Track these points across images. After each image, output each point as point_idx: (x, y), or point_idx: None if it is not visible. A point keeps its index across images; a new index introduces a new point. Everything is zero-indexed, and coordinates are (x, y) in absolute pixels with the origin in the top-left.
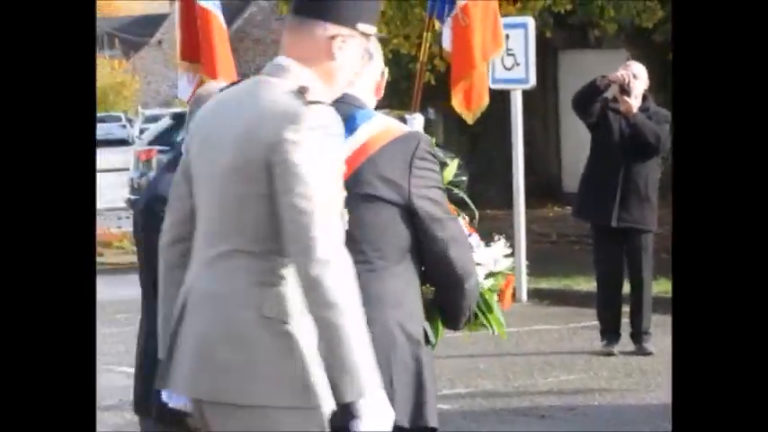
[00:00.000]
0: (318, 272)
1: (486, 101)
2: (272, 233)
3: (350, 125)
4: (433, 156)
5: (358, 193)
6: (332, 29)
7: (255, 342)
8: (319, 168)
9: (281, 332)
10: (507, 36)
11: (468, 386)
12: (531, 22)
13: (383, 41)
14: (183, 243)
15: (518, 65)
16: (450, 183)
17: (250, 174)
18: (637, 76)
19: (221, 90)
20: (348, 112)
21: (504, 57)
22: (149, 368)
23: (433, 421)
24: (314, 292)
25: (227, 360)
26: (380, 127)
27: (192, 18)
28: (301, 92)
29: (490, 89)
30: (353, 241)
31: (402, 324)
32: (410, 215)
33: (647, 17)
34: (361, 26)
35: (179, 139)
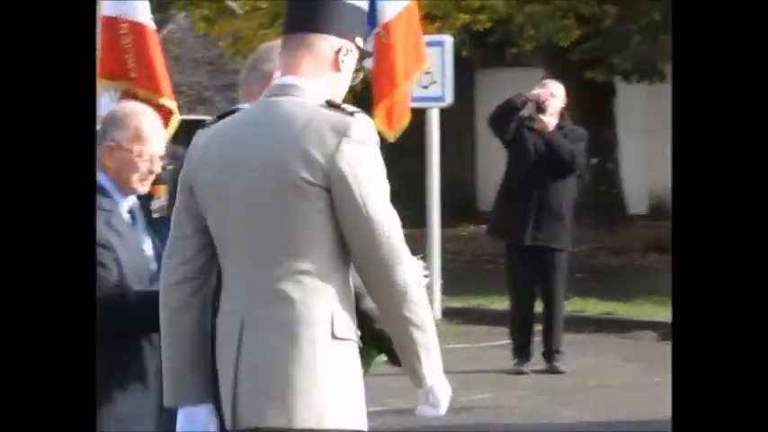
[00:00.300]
0: (406, 274)
1: (407, 119)
2: (332, 250)
3: None
4: None
5: None
6: (336, 42)
7: (327, 364)
8: (379, 176)
9: (348, 352)
10: None
11: (379, 404)
12: (448, 40)
13: None
14: (190, 282)
15: (435, 83)
16: None
17: (303, 192)
18: (554, 95)
19: (213, 121)
20: None
21: (421, 75)
22: None
23: None
24: (404, 293)
25: (300, 385)
26: None
27: (114, 35)
28: (335, 105)
29: None
30: None
31: None
32: None
33: (564, 36)
34: (358, 39)
35: None
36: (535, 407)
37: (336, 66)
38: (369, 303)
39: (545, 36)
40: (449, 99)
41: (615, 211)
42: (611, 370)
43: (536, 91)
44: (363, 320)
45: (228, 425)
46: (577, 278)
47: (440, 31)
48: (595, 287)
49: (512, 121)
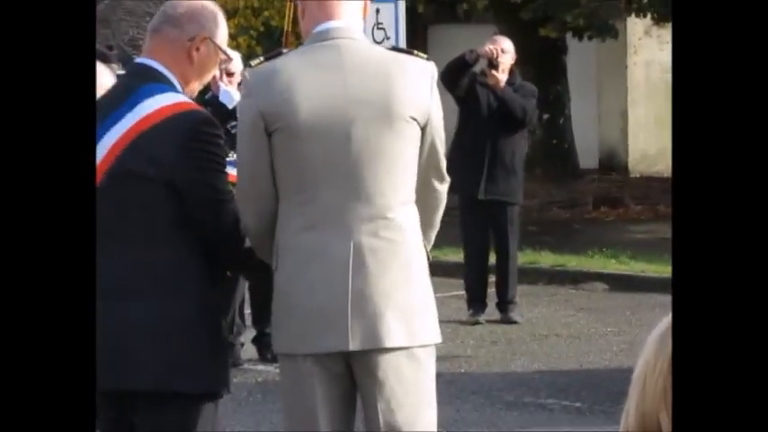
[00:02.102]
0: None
1: None
2: (414, 181)
3: (134, 100)
4: (216, 135)
5: (128, 169)
6: None
7: (430, 284)
8: None
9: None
10: (378, 10)
11: None
12: None
13: (255, 11)
14: (269, 225)
15: (388, 38)
16: None
17: (410, 128)
18: (505, 51)
19: (259, 63)
20: (138, 84)
21: (374, 30)
22: None
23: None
24: (440, 212)
25: (419, 306)
26: (160, 104)
27: None
28: (401, 50)
29: None
30: (121, 219)
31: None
32: (177, 195)
33: None
34: None
35: None
36: (489, 356)
37: (365, 11)
38: None
39: None
40: None
41: (566, 166)
42: (563, 320)
43: (487, 47)
44: None
45: (336, 345)
46: (530, 231)
47: None
48: (547, 240)
49: (464, 76)
